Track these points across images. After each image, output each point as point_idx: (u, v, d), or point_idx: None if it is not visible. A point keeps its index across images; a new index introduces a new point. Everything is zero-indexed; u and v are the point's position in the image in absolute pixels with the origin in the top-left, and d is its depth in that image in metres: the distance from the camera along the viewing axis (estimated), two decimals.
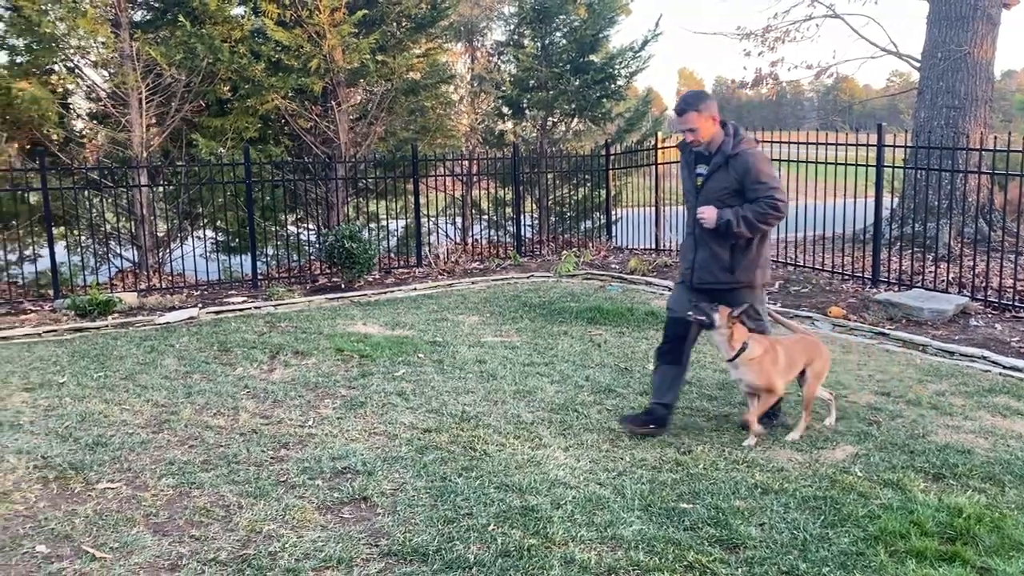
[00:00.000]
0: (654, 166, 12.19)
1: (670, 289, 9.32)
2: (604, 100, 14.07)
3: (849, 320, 7.74)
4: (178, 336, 7.45)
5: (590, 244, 12.92)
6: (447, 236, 12.66)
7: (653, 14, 51.32)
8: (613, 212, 13.33)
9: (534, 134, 14.74)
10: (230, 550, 3.38)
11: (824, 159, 9.42)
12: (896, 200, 11.57)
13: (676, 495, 3.91)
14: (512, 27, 14.64)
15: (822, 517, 3.67)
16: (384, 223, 12.11)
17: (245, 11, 11.09)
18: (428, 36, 12.75)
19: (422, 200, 11.66)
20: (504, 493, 3.91)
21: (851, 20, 23.93)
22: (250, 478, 4.13)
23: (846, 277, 9.35)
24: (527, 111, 14.56)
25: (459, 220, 13.89)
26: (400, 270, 11.21)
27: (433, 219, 12.53)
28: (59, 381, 5.94)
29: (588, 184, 13.71)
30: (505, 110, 14.89)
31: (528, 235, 13.16)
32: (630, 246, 12.71)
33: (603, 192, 13.43)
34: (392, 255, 11.86)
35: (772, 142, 9.88)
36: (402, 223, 12.34)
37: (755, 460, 4.35)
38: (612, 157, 13.18)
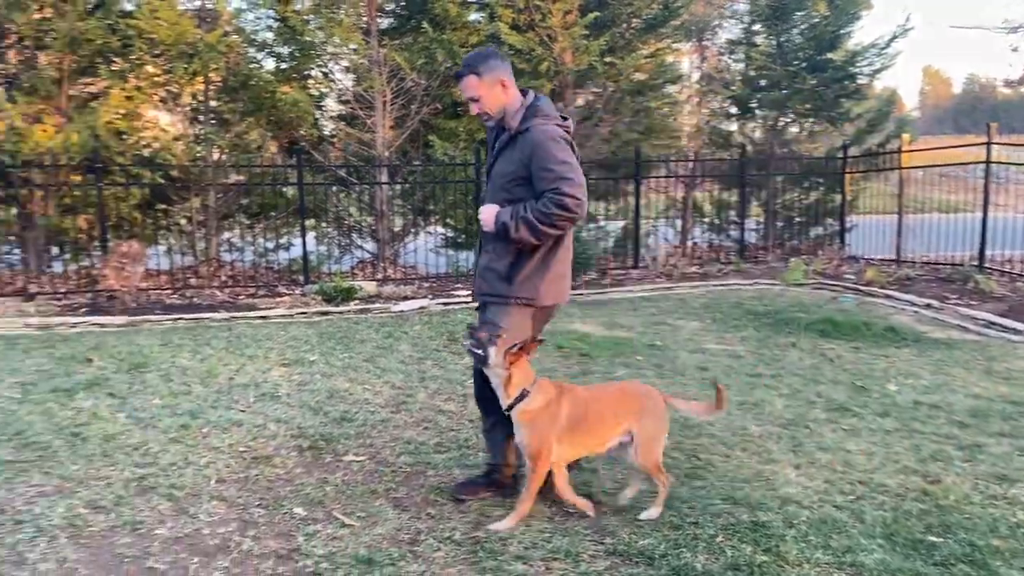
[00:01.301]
0: (897, 170, 11.33)
1: (913, 304, 8.63)
2: (842, 100, 13.25)
3: None
4: (411, 324, 7.91)
5: (820, 252, 12.25)
6: (666, 239, 12.49)
7: (890, 9, 47.70)
8: (848, 218, 12.55)
9: (762, 135, 14.18)
10: (463, 531, 3.52)
11: None
12: None
13: (924, 526, 3.60)
14: (745, 25, 14.16)
15: None
16: (603, 224, 12.16)
17: (482, 16, 11.54)
18: (657, 36, 12.64)
19: (642, 201, 11.60)
20: (731, 505, 3.79)
21: None
22: (479, 464, 4.28)
23: None
24: (756, 111, 14.04)
25: (679, 223, 13.66)
26: (616, 271, 11.22)
27: (652, 221, 12.41)
28: (310, 359, 6.50)
29: (820, 188, 12.99)
30: (733, 110, 14.45)
31: (752, 240, 12.69)
32: (866, 256, 11.90)
33: (837, 197, 12.68)
34: (610, 256, 11.89)
35: None
36: (619, 224, 12.34)
37: (1017, 497, 3.91)
38: (849, 160, 12.40)
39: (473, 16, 11.77)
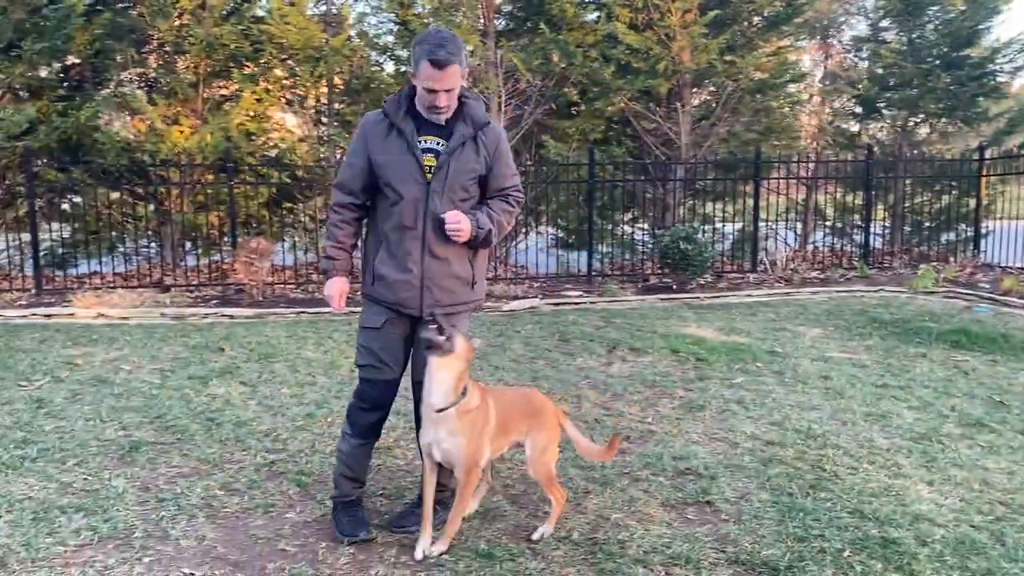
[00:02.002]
0: None
1: None
2: (979, 99, 12.53)
3: None
4: (522, 323, 7.96)
5: (952, 259, 11.62)
6: (785, 242, 12.13)
7: None
8: (983, 224, 11.86)
9: (890, 135, 13.57)
10: (581, 531, 3.52)
11: None
12: None
13: None
14: (873, 21, 13.59)
15: None
16: (719, 226, 11.92)
17: (599, 16, 11.50)
18: (780, 34, 12.30)
19: (760, 203, 11.30)
20: (859, 520, 3.64)
21: None
22: (595, 465, 4.27)
23: None
24: (884, 111, 13.44)
25: (799, 226, 13.23)
26: (733, 275, 10.98)
27: (771, 223, 12.07)
28: None
29: (953, 192, 12.33)
30: (858, 110, 13.89)
31: (877, 245, 12.17)
32: (1003, 263, 11.22)
33: (972, 201, 12.00)
34: (725, 259, 11.64)
35: None
36: (737, 226, 12.06)
37: None
38: (987, 162, 11.71)
39: (590, 16, 11.75)
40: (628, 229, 12.31)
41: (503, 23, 12.71)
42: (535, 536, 3.44)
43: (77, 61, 11.13)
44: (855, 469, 4.26)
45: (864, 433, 4.82)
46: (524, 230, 12.47)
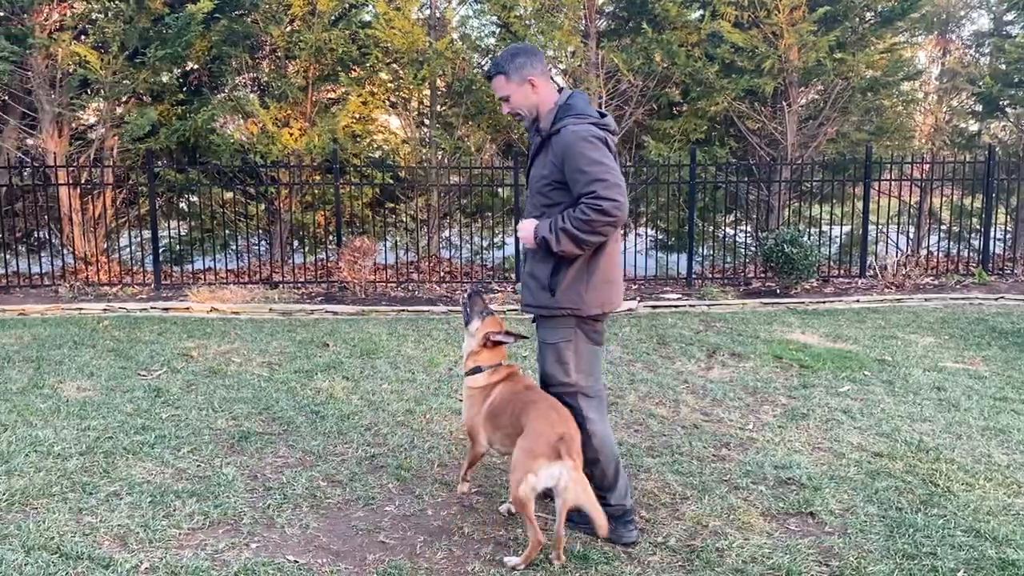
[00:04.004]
0: None
1: None
2: None
3: None
4: (620, 326, 7.90)
5: None
6: (896, 247, 11.63)
7: None
8: None
9: (1013, 135, 12.83)
10: (678, 538, 3.48)
11: None
12: None
13: None
14: (996, 15, 12.88)
15: None
16: (825, 229, 11.53)
17: (703, 15, 11.31)
18: (894, 30, 11.80)
19: (870, 206, 10.87)
20: (974, 539, 3.47)
21: None
22: (693, 471, 4.21)
23: None
24: (1008, 109, 12.71)
25: (912, 229, 12.67)
26: (840, 279, 10.60)
27: (881, 227, 11.59)
28: (522, 354, 6.67)
29: None
30: (978, 108, 13.19)
31: (997, 250, 11.53)
32: None
33: None
34: (832, 263, 11.24)
35: None
36: (844, 229, 11.63)
37: None
38: None
39: (694, 15, 11.56)
40: (730, 231, 12.05)
41: (605, 24, 12.64)
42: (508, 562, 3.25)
43: (195, 67, 11.68)
44: (970, 485, 4.06)
45: (981, 448, 4.58)
46: (622, 232, 12.36)
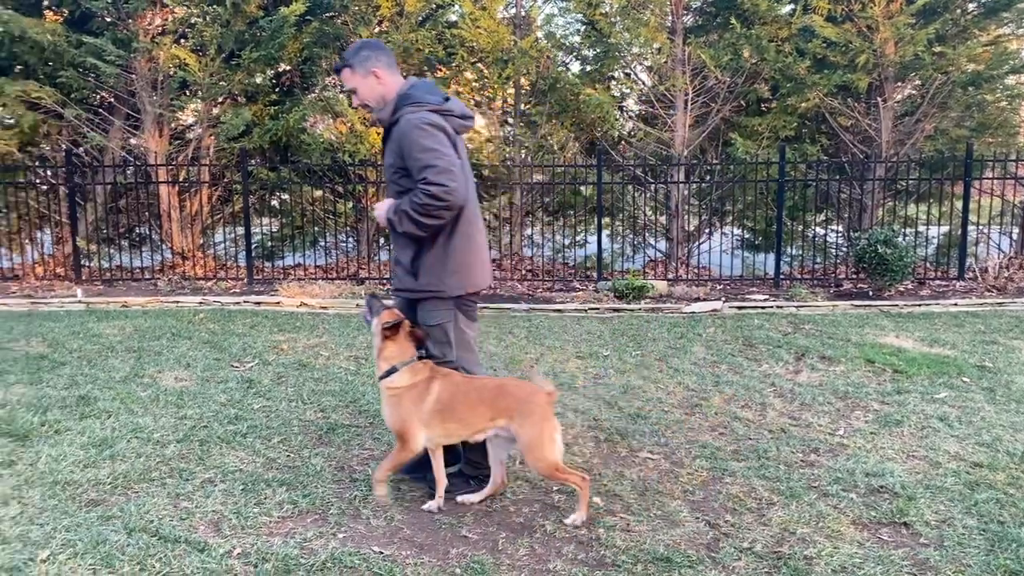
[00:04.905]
0: None
1: None
2: None
3: None
4: (704, 326, 7.77)
5: None
6: (999, 248, 11.09)
7: None
8: None
9: None
10: (764, 543, 3.40)
11: None
12: None
13: None
14: None
15: None
16: (922, 229, 11.08)
17: (794, 9, 11.02)
18: (999, 21, 11.25)
19: (970, 205, 10.39)
20: None
21: None
22: (781, 476, 4.11)
23: None
24: None
25: (1015, 230, 12.05)
26: (937, 282, 10.17)
27: (982, 227, 11.07)
28: (603, 354, 6.64)
29: None
30: None
31: None
32: None
33: None
34: (928, 265, 10.80)
35: None
36: (942, 230, 11.16)
37: None
38: None
39: (784, 9, 11.26)
40: (820, 231, 11.71)
41: (691, 20, 12.44)
42: (568, 521, 3.54)
43: (287, 68, 12.02)
44: None
45: None
46: (707, 230, 12.17)
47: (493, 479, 3.77)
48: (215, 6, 10.45)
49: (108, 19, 10.77)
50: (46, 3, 11.27)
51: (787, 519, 3.62)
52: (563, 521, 3.57)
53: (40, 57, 10.56)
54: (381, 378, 3.64)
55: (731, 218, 12.07)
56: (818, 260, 11.32)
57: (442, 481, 3.74)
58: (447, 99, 3.68)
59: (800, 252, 11.49)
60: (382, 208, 3.66)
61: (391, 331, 3.61)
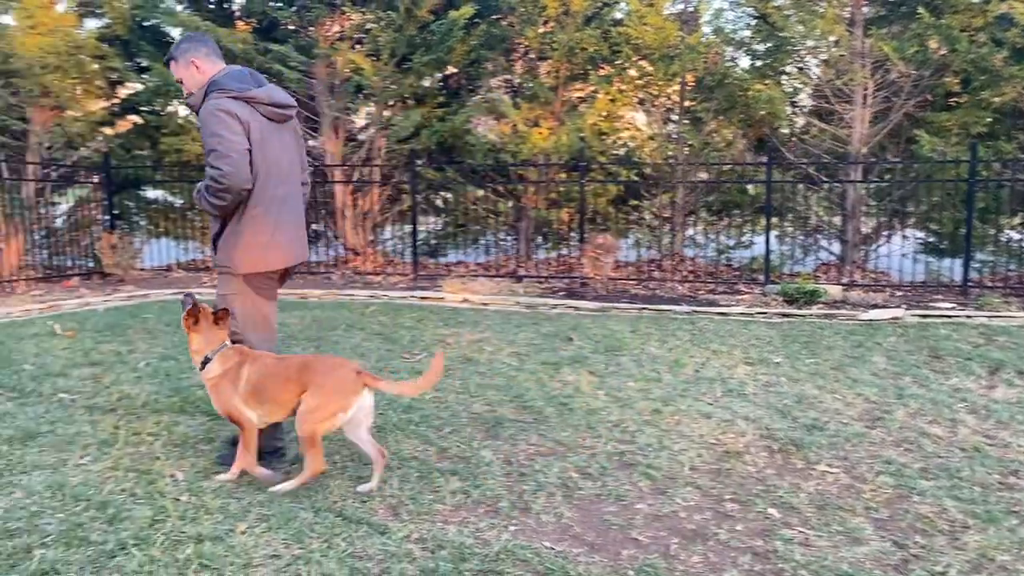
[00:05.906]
0: None
1: None
2: None
3: None
4: (884, 335, 7.32)
5: None
6: None
7: None
8: None
9: None
10: (959, 569, 3.14)
11: None
12: None
13: None
14: None
15: None
16: None
17: None
18: None
19: None
20: None
21: None
22: (976, 498, 3.79)
23: None
24: None
25: None
26: None
27: None
28: (774, 360, 6.38)
29: None
30: None
31: None
32: None
33: None
34: None
35: None
36: None
37: None
38: None
39: None
40: (1015, 235, 10.75)
41: (872, 10, 11.74)
42: (279, 486, 3.72)
43: (454, 71, 12.35)
44: None
45: None
46: (886, 233, 11.45)
47: (374, 459, 3.83)
48: (389, 11, 10.88)
49: (291, 27, 11.45)
50: (237, 13, 12.13)
51: (985, 544, 3.33)
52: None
53: (233, 63, 11.37)
54: (200, 371, 3.80)
55: (913, 220, 11.32)
56: (1013, 267, 10.40)
57: (256, 469, 3.85)
58: (260, 87, 3.86)
59: (992, 258, 10.60)
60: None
61: (191, 320, 3.76)
